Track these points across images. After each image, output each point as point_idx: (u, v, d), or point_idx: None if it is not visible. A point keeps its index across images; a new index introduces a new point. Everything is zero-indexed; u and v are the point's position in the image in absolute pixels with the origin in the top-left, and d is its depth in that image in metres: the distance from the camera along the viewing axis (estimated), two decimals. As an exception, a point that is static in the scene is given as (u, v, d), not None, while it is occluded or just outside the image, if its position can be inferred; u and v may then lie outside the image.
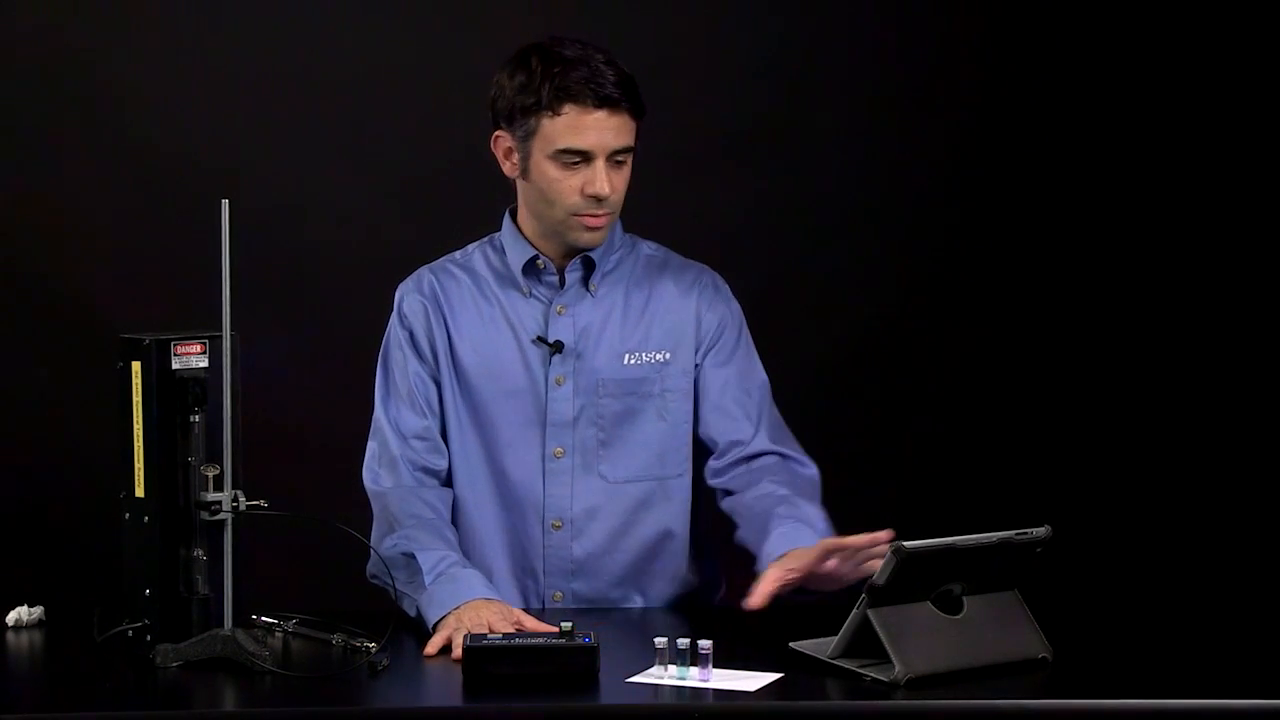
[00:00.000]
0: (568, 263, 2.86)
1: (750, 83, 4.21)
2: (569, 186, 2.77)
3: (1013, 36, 4.26)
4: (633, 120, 2.78)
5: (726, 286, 2.94)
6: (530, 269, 2.86)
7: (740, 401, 2.88)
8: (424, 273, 2.92)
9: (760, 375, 2.92)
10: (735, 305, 2.94)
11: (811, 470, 2.88)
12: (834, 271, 4.25)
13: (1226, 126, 4.23)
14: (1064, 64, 4.25)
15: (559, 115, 2.76)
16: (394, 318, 2.90)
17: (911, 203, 4.27)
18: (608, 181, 2.76)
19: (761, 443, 2.87)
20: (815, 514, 2.76)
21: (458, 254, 2.95)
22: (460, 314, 2.87)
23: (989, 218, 4.28)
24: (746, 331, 2.94)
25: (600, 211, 2.78)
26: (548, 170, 2.78)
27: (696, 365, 2.88)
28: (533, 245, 2.86)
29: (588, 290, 2.86)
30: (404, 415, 2.85)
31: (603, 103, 2.74)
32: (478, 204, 4.08)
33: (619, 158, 2.77)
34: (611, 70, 2.75)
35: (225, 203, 2.41)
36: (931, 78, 4.25)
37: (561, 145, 2.76)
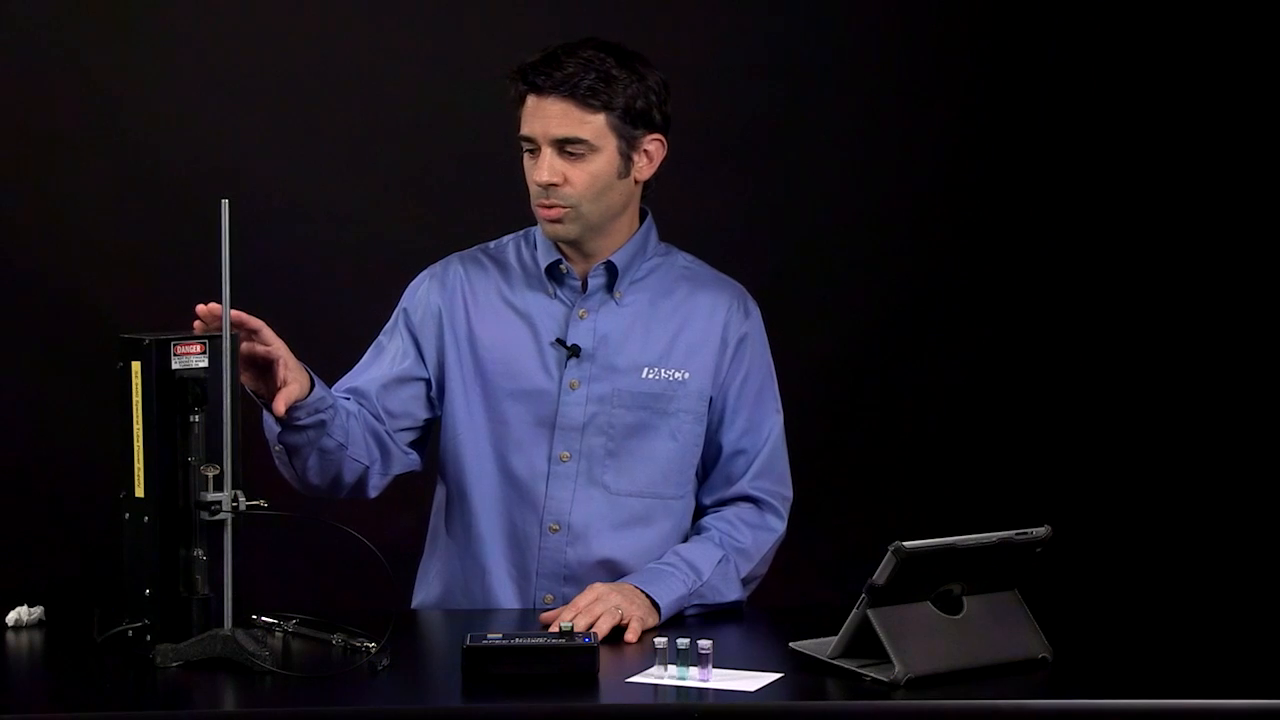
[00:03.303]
0: (590, 267, 2.85)
1: (750, 83, 4.21)
2: (530, 176, 2.80)
3: (1013, 36, 4.26)
4: (587, 111, 2.75)
5: (757, 309, 2.93)
6: (554, 271, 2.86)
7: (747, 443, 2.89)
8: (453, 262, 2.92)
9: (773, 416, 2.91)
10: (761, 330, 2.92)
11: (772, 525, 2.89)
12: (833, 272, 4.25)
13: (1227, 126, 4.23)
14: (1064, 64, 4.25)
15: (522, 105, 2.79)
16: (408, 298, 2.90)
17: (911, 203, 4.27)
18: (549, 169, 2.75)
19: (741, 487, 2.89)
20: (697, 562, 2.77)
21: (491, 244, 2.94)
22: (485, 306, 2.87)
23: (989, 218, 4.28)
24: (769, 360, 2.92)
25: (549, 201, 2.78)
26: (523, 161, 2.81)
27: (712, 398, 2.87)
28: (558, 248, 2.86)
29: (612, 297, 2.86)
30: (358, 378, 2.87)
31: (542, 89, 2.75)
32: (478, 204, 4.10)
33: (571, 149, 2.76)
34: (570, 61, 2.75)
35: (225, 203, 2.41)
36: (931, 78, 4.25)
37: (519, 133, 2.79)
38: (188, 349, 2.45)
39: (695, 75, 4.13)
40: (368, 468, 2.81)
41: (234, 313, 2.47)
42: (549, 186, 2.76)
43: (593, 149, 2.76)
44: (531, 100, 2.76)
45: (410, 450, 2.88)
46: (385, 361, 2.88)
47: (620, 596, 2.62)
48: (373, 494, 2.85)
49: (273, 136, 4.14)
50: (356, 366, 2.90)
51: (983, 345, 4.29)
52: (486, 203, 4.02)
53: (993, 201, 4.28)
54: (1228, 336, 4.26)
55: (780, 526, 2.90)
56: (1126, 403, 4.28)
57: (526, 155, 2.80)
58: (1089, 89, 4.25)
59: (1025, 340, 4.29)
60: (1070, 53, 4.25)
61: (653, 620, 2.65)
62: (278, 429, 2.70)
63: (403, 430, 2.86)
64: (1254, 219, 4.25)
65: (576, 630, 2.47)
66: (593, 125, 2.76)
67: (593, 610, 2.58)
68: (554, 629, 2.49)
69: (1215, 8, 4.22)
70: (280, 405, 2.59)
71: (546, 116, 2.75)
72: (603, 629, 2.54)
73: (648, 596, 2.67)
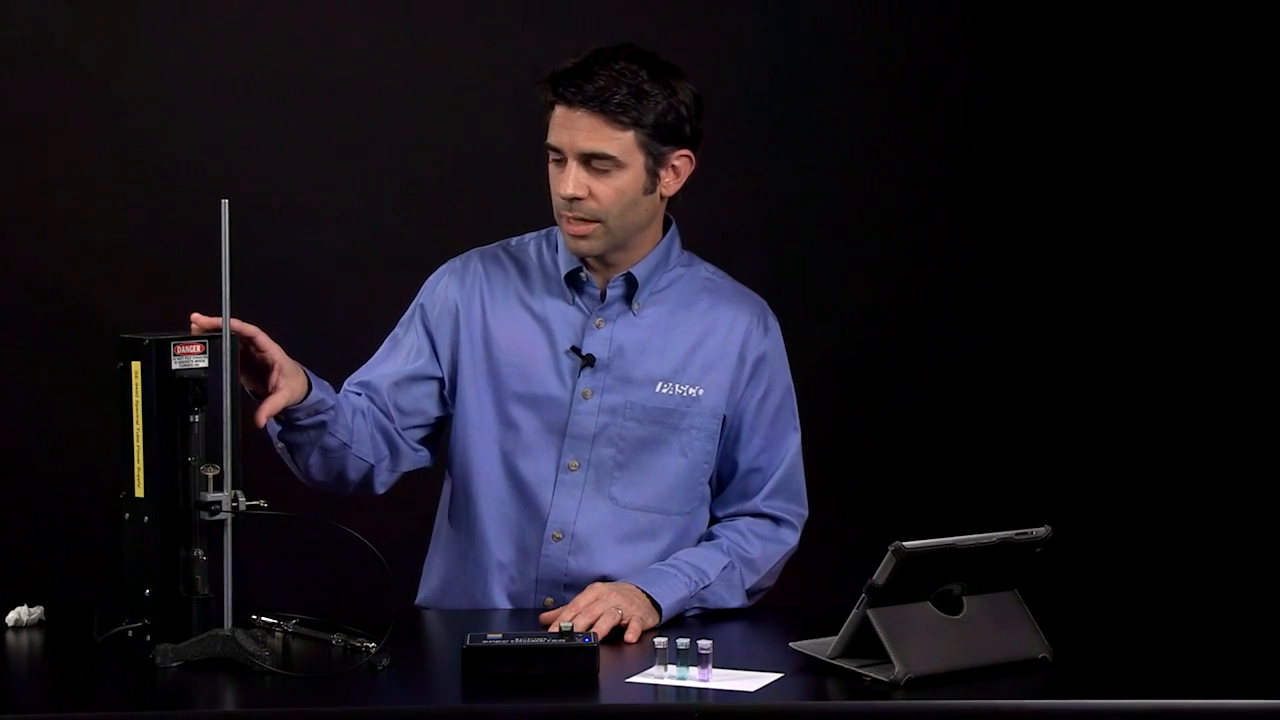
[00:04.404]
0: (611, 277, 2.84)
1: (750, 82, 4.21)
2: (554, 187, 2.77)
3: (1014, 35, 4.26)
4: (615, 128, 2.72)
5: (777, 326, 2.92)
6: (573, 278, 2.85)
7: (764, 461, 2.89)
8: (473, 258, 2.91)
9: (791, 435, 2.91)
10: (781, 348, 2.91)
11: (784, 539, 2.89)
12: (834, 272, 4.25)
13: (1226, 126, 4.23)
14: (1065, 63, 4.25)
15: (551, 113, 2.76)
16: (426, 293, 2.89)
17: (912, 203, 4.27)
18: (574, 183, 2.73)
19: (755, 504, 2.89)
20: (703, 565, 2.77)
21: (512, 241, 2.93)
22: (502, 306, 2.86)
23: (989, 219, 4.28)
24: (788, 378, 2.92)
25: (573, 214, 2.75)
26: (548, 170, 2.79)
27: (726, 416, 2.86)
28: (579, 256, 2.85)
29: (630, 308, 2.85)
30: (371, 371, 2.86)
31: (572, 101, 2.72)
32: (478, 204, 4.11)
33: (598, 164, 2.74)
34: (602, 73, 2.72)
35: (225, 203, 2.41)
36: (932, 76, 4.25)
37: (547, 142, 2.77)
38: (188, 349, 2.45)
39: (695, 75, 4.13)
40: (373, 465, 2.80)
41: (231, 322, 2.46)
42: (573, 200, 2.75)
43: (619, 165, 2.74)
44: (560, 111, 2.74)
45: (420, 447, 2.88)
46: (399, 357, 2.87)
47: (620, 596, 2.62)
48: (380, 490, 2.85)
49: (273, 136, 4.14)
50: (372, 359, 2.89)
51: (983, 345, 4.28)
52: (487, 203, 4.03)
53: (993, 202, 4.28)
54: (1228, 336, 4.25)
55: (792, 540, 2.90)
56: (1126, 403, 4.28)
57: (552, 164, 2.77)
58: (1089, 89, 4.25)
59: (1025, 340, 4.29)
60: (1070, 53, 4.24)
61: (653, 621, 2.65)
62: (279, 427, 2.69)
63: (413, 428, 2.86)
64: (1254, 219, 4.25)
65: (576, 630, 2.47)
66: (621, 142, 2.73)
67: (593, 610, 2.58)
68: (554, 629, 2.49)
69: (1215, 8, 4.21)
70: (260, 417, 2.57)
71: (575, 130, 2.73)
72: (603, 629, 2.54)
73: (649, 597, 2.67)
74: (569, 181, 2.74)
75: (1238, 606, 2.82)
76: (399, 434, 2.83)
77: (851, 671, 2.34)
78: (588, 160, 2.73)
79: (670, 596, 2.69)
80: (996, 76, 4.26)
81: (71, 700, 2.34)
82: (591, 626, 2.54)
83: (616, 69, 2.73)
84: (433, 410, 2.87)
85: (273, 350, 2.58)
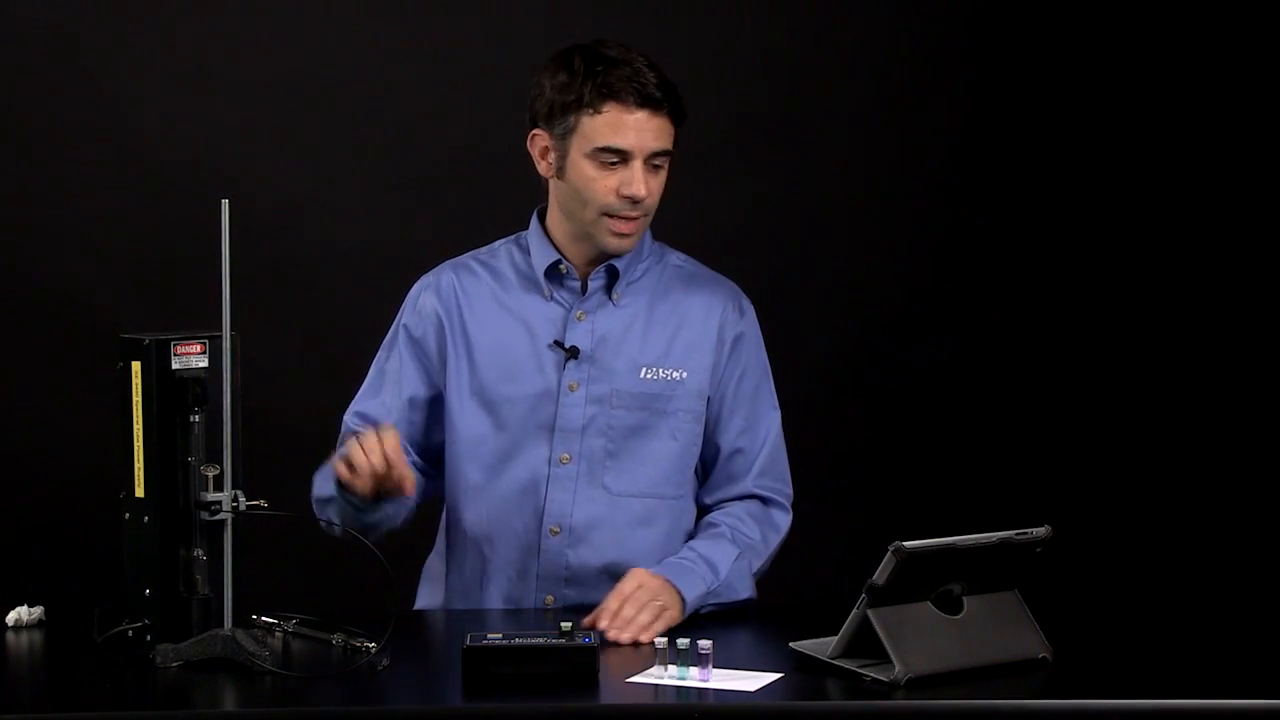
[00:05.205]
0: (592, 269, 2.85)
1: (750, 82, 4.21)
2: (605, 186, 2.76)
3: (1014, 36, 4.26)
4: (672, 125, 2.77)
5: (751, 309, 2.93)
6: (553, 273, 2.85)
7: (746, 442, 2.89)
8: (445, 270, 2.91)
9: (771, 414, 2.91)
10: (756, 329, 2.92)
11: (777, 521, 2.89)
12: (834, 272, 4.25)
13: (1227, 126, 4.23)
14: (1065, 63, 4.25)
15: (600, 113, 2.74)
16: (407, 312, 2.89)
17: (912, 203, 4.27)
18: (644, 183, 2.75)
19: (745, 486, 2.89)
20: (715, 560, 2.76)
21: (483, 250, 2.93)
22: (480, 311, 2.86)
23: (989, 219, 4.28)
24: (764, 358, 2.92)
25: (633, 214, 2.77)
26: (585, 169, 2.77)
27: (709, 397, 2.87)
28: (558, 249, 2.85)
29: (610, 299, 2.86)
30: (374, 408, 2.86)
31: (645, 103, 2.74)
32: (478, 204, 4.11)
33: (656, 161, 2.76)
34: (654, 73, 2.75)
35: (225, 203, 2.41)
36: (932, 77, 4.25)
37: (601, 144, 2.75)
38: (188, 349, 2.45)
39: (695, 75, 4.13)
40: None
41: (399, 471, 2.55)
42: (641, 200, 2.76)
43: (669, 161, 2.79)
44: (631, 113, 2.74)
45: (435, 473, 2.90)
46: (398, 388, 2.86)
47: (660, 584, 2.64)
48: (403, 526, 2.86)
49: (273, 136, 4.14)
50: (364, 389, 2.88)
51: (982, 345, 4.28)
52: (486, 203, 4.03)
53: (992, 202, 4.28)
54: (1227, 336, 4.26)
55: (785, 522, 2.91)
56: (1126, 402, 4.28)
57: (600, 166, 2.75)
58: (1089, 91, 4.25)
59: (1025, 340, 4.29)
60: (1070, 54, 4.25)
61: (677, 615, 2.65)
62: (331, 492, 2.69)
63: (429, 458, 2.89)
64: (1254, 219, 4.25)
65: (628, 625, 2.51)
66: (673, 137, 2.79)
67: (638, 598, 2.60)
68: (602, 624, 2.53)
69: (1215, 8, 4.22)
70: (409, 486, 2.61)
71: (646, 129, 2.74)
72: (655, 631, 2.55)
73: (676, 590, 2.67)
74: (639, 182, 2.75)
75: (1238, 606, 2.82)
76: (420, 471, 2.86)
77: (851, 671, 2.34)
78: (650, 159, 2.76)
79: (692, 591, 2.69)
80: (996, 77, 4.26)
81: (71, 700, 2.34)
82: (648, 621, 2.56)
83: (657, 68, 2.77)
84: (438, 434, 2.88)
85: (400, 465, 2.61)
